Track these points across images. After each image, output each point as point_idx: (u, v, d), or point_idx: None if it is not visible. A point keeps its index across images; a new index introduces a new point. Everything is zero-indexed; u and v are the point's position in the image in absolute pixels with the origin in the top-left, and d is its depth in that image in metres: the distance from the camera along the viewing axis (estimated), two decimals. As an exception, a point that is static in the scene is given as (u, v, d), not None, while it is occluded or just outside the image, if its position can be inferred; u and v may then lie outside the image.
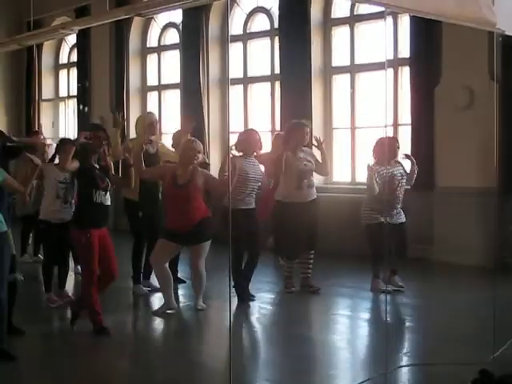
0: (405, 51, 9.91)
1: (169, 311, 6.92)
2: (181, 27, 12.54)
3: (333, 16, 10.93)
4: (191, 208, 6.78)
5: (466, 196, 8.95)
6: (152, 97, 13.66)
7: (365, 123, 10.56)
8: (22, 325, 6.17)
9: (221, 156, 11.36)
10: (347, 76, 10.82)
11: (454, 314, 6.82)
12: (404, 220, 7.78)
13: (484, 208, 8.38)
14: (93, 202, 6.24)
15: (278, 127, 10.80)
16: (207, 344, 6.37)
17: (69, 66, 15.41)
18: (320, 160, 7.83)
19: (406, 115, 9.94)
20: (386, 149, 7.49)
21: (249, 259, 7.45)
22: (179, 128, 8.76)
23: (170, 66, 13.23)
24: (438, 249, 9.25)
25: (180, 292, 7.86)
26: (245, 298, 7.32)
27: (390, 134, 9.52)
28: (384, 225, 7.38)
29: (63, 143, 7.31)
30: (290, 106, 10.51)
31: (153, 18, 13.20)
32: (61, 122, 15.65)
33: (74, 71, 14.89)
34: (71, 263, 7.79)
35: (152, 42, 13.60)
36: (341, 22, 10.87)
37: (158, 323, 6.85)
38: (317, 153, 7.92)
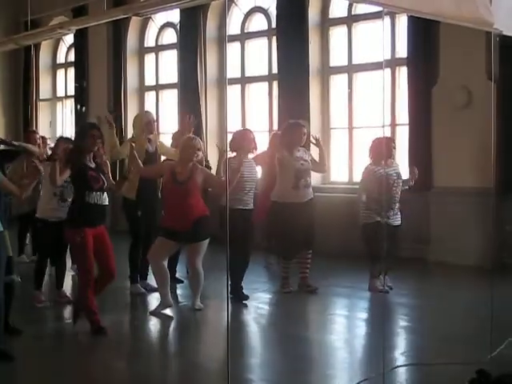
0: (402, 51, 9.92)
1: (166, 311, 6.92)
2: (178, 27, 12.53)
3: (330, 16, 10.93)
4: (190, 205, 6.76)
5: (463, 196, 8.95)
6: (150, 96, 13.65)
7: (362, 123, 10.57)
8: (19, 325, 6.16)
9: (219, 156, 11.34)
10: (345, 76, 10.83)
11: (451, 314, 6.83)
12: (399, 223, 7.75)
13: (482, 208, 8.38)
14: (86, 202, 6.17)
15: (275, 127, 10.80)
16: (205, 344, 6.37)
17: (66, 65, 15.40)
18: (317, 158, 7.84)
19: (403, 115, 9.95)
20: (382, 149, 7.50)
21: (241, 259, 7.43)
22: (178, 127, 8.77)
23: (168, 66, 13.22)
24: (436, 249, 9.25)
25: (178, 292, 7.85)
26: (240, 297, 7.32)
27: (388, 134, 9.52)
28: (381, 224, 7.38)
29: (62, 142, 7.29)
30: (287, 105, 10.51)
31: (150, 17, 13.17)
32: (58, 121, 15.64)
33: (71, 71, 14.86)
34: (68, 263, 7.78)
35: (150, 41, 13.60)
36: (338, 21, 10.87)
37: (156, 323, 6.85)
38: (314, 152, 7.93)
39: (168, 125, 12.72)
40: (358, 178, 10.03)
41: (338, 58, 10.91)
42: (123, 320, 7.05)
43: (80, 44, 14.00)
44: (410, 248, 9.00)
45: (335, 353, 5.97)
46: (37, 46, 14.86)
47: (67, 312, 6.94)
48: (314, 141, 7.89)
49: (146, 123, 7.81)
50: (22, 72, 15.35)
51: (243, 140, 7.41)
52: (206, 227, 6.86)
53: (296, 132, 7.74)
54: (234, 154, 7.39)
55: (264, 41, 11.69)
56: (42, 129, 14.66)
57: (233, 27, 12.03)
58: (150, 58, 13.61)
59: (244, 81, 11.97)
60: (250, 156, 7.55)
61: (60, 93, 15.65)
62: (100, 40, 13.46)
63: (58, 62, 15.70)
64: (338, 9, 10.86)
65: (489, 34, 5.61)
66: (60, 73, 15.68)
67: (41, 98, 15.56)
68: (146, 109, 13.00)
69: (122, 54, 13.27)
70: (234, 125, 11.13)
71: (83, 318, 6.28)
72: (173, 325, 6.85)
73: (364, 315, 7.19)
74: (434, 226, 9.35)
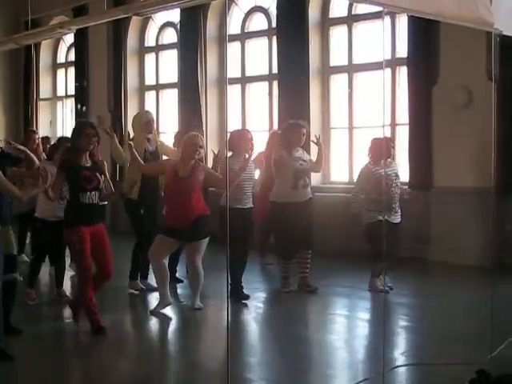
0: (403, 51, 9.91)
1: (166, 311, 6.92)
2: (179, 26, 12.52)
3: (331, 16, 10.93)
4: (191, 203, 6.75)
5: (463, 196, 8.95)
6: (150, 96, 13.65)
7: (362, 123, 10.56)
8: (19, 324, 6.15)
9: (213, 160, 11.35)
10: (345, 76, 10.82)
11: (451, 314, 6.83)
12: (399, 221, 7.76)
13: (482, 208, 8.37)
14: (81, 202, 6.11)
15: (275, 127, 10.79)
16: (205, 343, 6.37)
17: (66, 65, 15.40)
18: (315, 157, 7.84)
19: (403, 115, 9.94)
20: (381, 148, 7.50)
21: (239, 258, 7.42)
22: (179, 127, 8.77)
23: (168, 66, 13.21)
24: (436, 248, 9.25)
25: (178, 291, 7.85)
26: (240, 297, 7.32)
27: (388, 134, 9.52)
28: (383, 223, 7.37)
29: (61, 141, 7.29)
30: (287, 105, 10.50)
31: (151, 17, 13.18)
32: (58, 121, 15.64)
33: (71, 70, 14.86)
34: (67, 262, 7.79)
35: (150, 41, 13.59)
36: (339, 21, 10.87)
37: (155, 322, 6.85)
38: (312, 151, 7.92)
39: (168, 124, 12.73)
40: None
41: (338, 57, 10.90)
42: (123, 319, 7.05)
43: (80, 43, 14.00)
44: (410, 248, 9.00)
45: (335, 353, 5.96)
46: (37, 46, 14.85)
47: (67, 311, 6.93)
48: (315, 140, 7.89)
49: (146, 123, 7.81)
50: (22, 71, 15.36)
51: (240, 140, 7.40)
52: (205, 226, 6.85)
53: (295, 132, 7.74)
54: (231, 153, 7.39)
55: (264, 40, 11.69)
56: (43, 128, 14.68)
57: (233, 27, 12.03)
58: (150, 58, 13.60)
59: (244, 80, 11.97)
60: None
61: (60, 92, 15.65)
62: (100, 39, 13.46)
63: (58, 61, 15.70)
64: (338, 8, 10.86)
65: (489, 34, 5.62)
66: (60, 72, 15.68)
67: (41, 97, 15.56)
68: (146, 108, 13.00)
69: (122, 54, 13.27)
70: (234, 124, 11.14)
71: (83, 317, 6.28)
72: (173, 324, 6.85)
73: (364, 315, 7.18)
74: (434, 225, 9.35)
